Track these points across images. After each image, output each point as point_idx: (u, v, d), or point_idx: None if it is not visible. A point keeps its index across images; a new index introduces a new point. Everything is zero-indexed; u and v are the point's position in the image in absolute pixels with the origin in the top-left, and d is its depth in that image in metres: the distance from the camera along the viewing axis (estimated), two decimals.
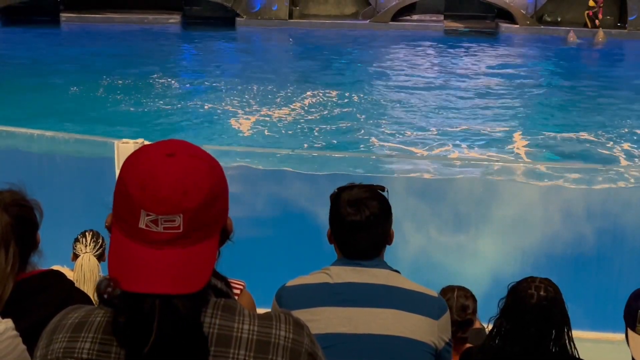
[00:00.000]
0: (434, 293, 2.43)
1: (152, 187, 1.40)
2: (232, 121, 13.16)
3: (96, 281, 4.22)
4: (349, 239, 2.40)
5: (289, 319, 1.56)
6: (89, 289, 4.20)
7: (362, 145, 12.09)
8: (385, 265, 2.42)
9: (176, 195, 1.39)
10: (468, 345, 3.71)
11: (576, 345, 2.90)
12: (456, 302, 3.69)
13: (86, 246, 4.45)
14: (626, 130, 13.18)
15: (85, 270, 4.31)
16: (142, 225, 1.40)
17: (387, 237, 2.45)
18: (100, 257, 4.50)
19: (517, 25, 23.84)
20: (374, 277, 2.37)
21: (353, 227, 2.37)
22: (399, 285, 2.37)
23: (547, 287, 2.87)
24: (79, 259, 4.42)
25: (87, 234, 4.54)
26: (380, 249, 2.44)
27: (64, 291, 2.30)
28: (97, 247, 4.47)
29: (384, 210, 2.41)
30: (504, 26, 23.98)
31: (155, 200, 1.39)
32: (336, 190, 2.46)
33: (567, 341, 2.85)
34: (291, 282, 2.45)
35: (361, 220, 2.36)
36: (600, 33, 22.72)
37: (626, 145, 12.38)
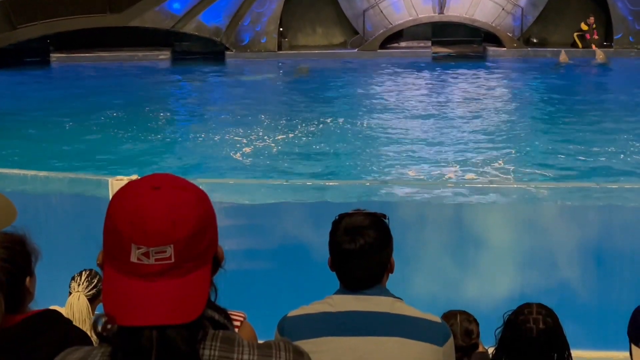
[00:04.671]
0: (438, 319, 2.40)
1: (141, 220, 1.40)
2: (225, 153, 13.18)
3: (85, 321, 4.20)
4: (344, 267, 2.39)
5: (288, 347, 1.55)
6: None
7: (355, 172, 12.11)
8: (387, 293, 2.40)
9: (165, 226, 1.40)
10: None
11: None
12: (460, 327, 3.66)
13: (79, 285, 4.41)
14: (617, 147, 13.24)
15: (74, 310, 4.27)
16: (133, 259, 1.41)
17: (385, 267, 2.41)
18: (94, 298, 4.44)
19: (505, 48, 24.06)
20: (377, 305, 2.34)
21: (348, 256, 2.35)
22: (402, 313, 2.34)
23: (545, 317, 2.85)
24: (70, 297, 4.40)
25: (83, 273, 4.51)
26: (379, 278, 2.40)
27: (61, 331, 2.26)
28: (91, 287, 4.42)
29: (382, 239, 2.37)
30: (492, 49, 24.19)
31: (144, 233, 1.40)
32: (337, 217, 2.44)
33: None
34: (293, 313, 2.43)
35: (355, 249, 2.34)
36: (600, 53, 22.86)
37: (619, 162, 12.42)
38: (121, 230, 1.41)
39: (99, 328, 1.45)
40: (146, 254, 1.40)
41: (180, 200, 1.44)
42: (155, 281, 1.41)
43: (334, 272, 2.45)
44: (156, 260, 1.40)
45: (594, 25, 23.72)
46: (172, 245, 1.40)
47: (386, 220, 2.43)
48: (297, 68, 21.93)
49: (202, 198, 1.48)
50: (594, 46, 23.40)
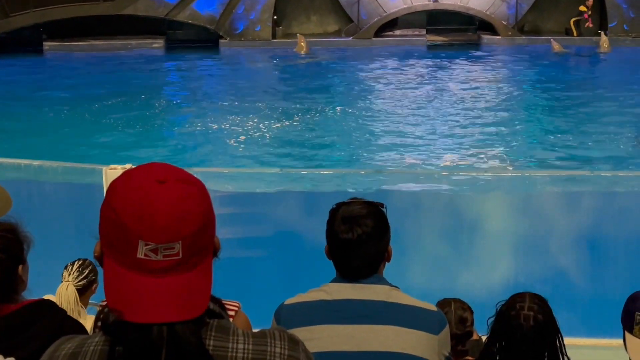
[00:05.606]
0: (434, 307, 2.40)
1: (149, 216, 1.38)
2: (220, 142, 13.15)
3: (73, 310, 4.19)
4: (341, 256, 2.39)
5: (283, 336, 1.54)
6: None
7: (350, 161, 12.10)
8: (384, 282, 2.40)
9: (174, 223, 1.39)
10: (468, 358, 3.69)
11: (574, 353, 2.90)
12: (454, 315, 3.66)
13: (69, 274, 4.40)
14: (611, 135, 13.26)
15: (62, 300, 4.26)
16: (140, 255, 1.38)
17: (382, 256, 2.41)
18: (85, 289, 4.42)
19: (499, 37, 24.03)
20: (373, 294, 2.35)
21: (345, 245, 2.35)
22: (398, 301, 2.35)
23: (536, 314, 2.82)
24: (59, 286, 4.38)
25: (75, 262, 4.49)
26: (376, 267, 2.40)
27: (56, 321, 2.26)
28: (81, 277, 4.40)
29: (379, 229, 2.37)
30: (486, 38, 24.15)
31: (153, 230, 1.38)
32: (335, 206, 2.44)
33: (560, 356, 2.86)
34: (290, 301, 2.44)
35: (352, 239, 2.33)
36: (604, 39, 22.63)
37: (613, 150, 12.44)
38: (128, 226, 1.39)
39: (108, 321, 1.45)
40: (155, 251, 1.38)
41: (187, 194, 1.42)
42: (163, 277, 1.39)
43: (330, 260, 2.45)
44: (164, 256, 1.39)
45: (590, 12, 23.69)
46: (180, 242, 1.39)
47: (384, 209, 2.42)
48: (298, 46, 22.25)
49: (203, 190, 1.47)
50: (602, 34, 23.04)
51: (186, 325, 1.39)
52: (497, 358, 2.86)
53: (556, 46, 22.51)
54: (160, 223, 1.38)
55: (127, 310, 1.38)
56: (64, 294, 4.31)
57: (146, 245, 1.38)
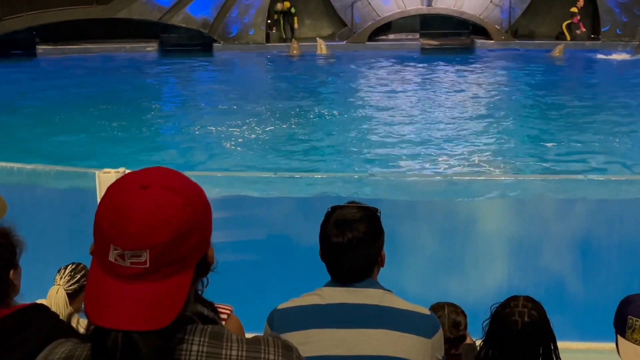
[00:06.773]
0: (427, 311, 2.40)
1: (121, 221, 1.37)
2: (213, 146, 13.14)
3: (62, 314, 4.18)
4: (333, 260, 2.39)
5: (277, 342, 1.53)
6: None
7: (343, 165, 12.10)
8: (377, 286, 2.41)
9: (143, 230, 1.36)
10: None
11: (567, 357, 2.91)
12: (447, 319, 3.67)
13: (61, 278, 4.38)
14: (606, 139, 13.29)
15: (52, 303, 4.24)
16: (111, 258, 1.38)
17: (375, 260, 2.41)
18: (76, 293, 4.40)
19: (492, 41, 24.09)
20: (367, 297, 2.35)
21: (336, 249, 2.36)
22: (391, 305, 2.35)
23: (530, 310, 2.86)
24: (50, 289, 4.37)
25: (69, 266, 4.48)
26: (368, 272, 2.40)
27: (48, 325, 2.25)
28: (73, 281, 4.38)
29: (371, 233, 2.37)
30: (479, 42, 24.22)
31: (122, 235, 1.37)
32: (330, 209, 2.45)
33: (554, 359, 2.87)
34: (283, 305, 2.43)
35: (343, 243, 2.34)
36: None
37: (605, 155, 12.47)
38: (102, 228, 1.39)
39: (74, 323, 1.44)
40: (122, 256, 1.37)
41: (165, 202, 1.39)
42: (130, 283, 1.37)
43: (325, 264, 2.45)
44: (131, 263, 1.37)
45: (579, 17, 23.79)
46: (147, 251, 1.36)
47: (378, 214, 2.43)
48: (318, 48, 22.93)
49: (191, 200, 1.43)
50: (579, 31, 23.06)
51: (147, 336, 1.36)
52: (492, 357, 2.87)
53: (558, 50, 22.57)
54: (128, 229, 1.36)
55: (92, 312, 1.38)
56: (54, 298, 4.29)
57: (115, 249, 1.37)
